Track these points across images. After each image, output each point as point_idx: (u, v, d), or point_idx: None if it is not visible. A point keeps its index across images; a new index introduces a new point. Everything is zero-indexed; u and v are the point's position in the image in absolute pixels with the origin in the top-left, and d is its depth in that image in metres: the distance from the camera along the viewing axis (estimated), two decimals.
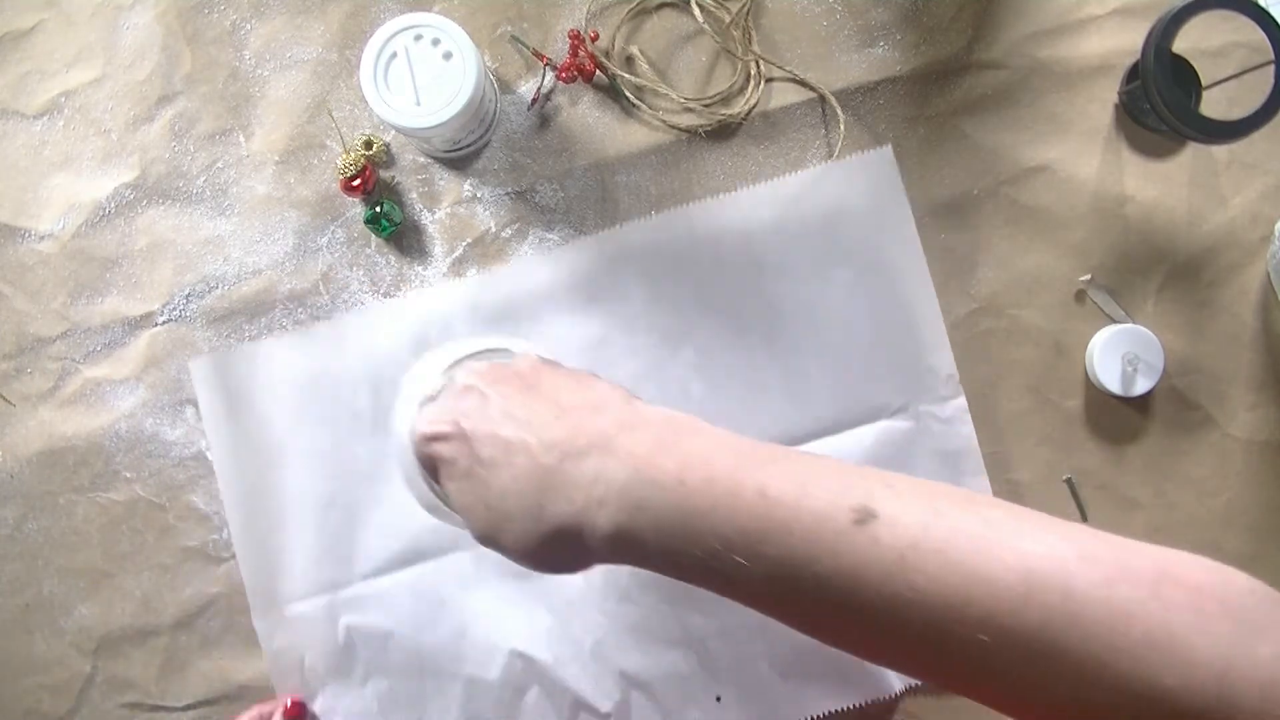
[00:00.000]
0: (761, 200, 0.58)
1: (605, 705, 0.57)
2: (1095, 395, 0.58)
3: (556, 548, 0.37)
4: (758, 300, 0.58)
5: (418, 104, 0.52)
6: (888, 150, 0.58)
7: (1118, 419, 0.58)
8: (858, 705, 0.57)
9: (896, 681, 0.57)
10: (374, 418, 0.58)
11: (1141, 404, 0.58)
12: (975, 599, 0.30)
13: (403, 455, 0.47)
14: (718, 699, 0.57)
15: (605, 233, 0.59)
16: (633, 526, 0.35)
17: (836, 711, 0.57)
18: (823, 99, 0.59)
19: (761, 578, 0.33)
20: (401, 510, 0.58)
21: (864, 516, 0.32)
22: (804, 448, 0.57)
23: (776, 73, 0.59)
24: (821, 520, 0.32)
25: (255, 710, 0.57)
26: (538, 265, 0.59)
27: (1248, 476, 0.58)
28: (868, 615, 0.32)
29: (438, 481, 0.43)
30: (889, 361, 0.58)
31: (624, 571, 0.57)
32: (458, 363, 0.48)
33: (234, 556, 0.59)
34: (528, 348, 0.50)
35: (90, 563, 0.59)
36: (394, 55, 0.53)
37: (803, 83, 0.59)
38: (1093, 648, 0.29)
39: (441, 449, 0.40)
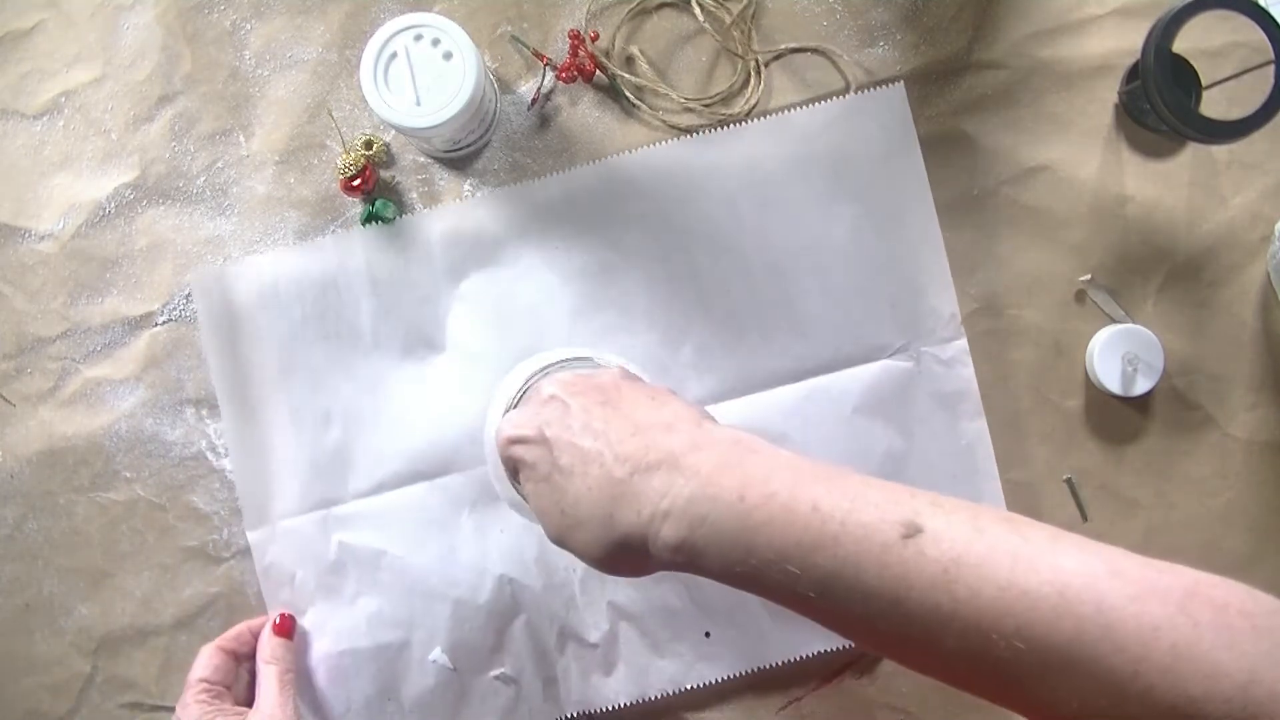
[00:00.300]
0: (769, 133, 0.58)
1: (593, 635, 0.57)
2: (1095, 395, 0.58)
3: (622, 554, 0.40)
4: (761, 233, 0.58)
5: (418, 104, 0.52)
6: (899, 87, 0.58)
7: (1118, 419, 0.58)
8: (845, 648, 0.57)
9: None
10: (374, 336, 0.58)
11: (1141, 404, 0.58)
12: (1013, 610, 0.32)
13: (493, 456, 0.51)
14: (706, 634, 0.57)
15: (612, 159, 0.59)
16: (694, 538, 0.37)
17: (824, 652, 0.57)
18: (841, 75, 0.59)
19: (812, 587, 0.35)
20: (398, 430, 0.58)
21: (911, 531, 0.34)
22: (802, 385, 0.58)
23: (780, 52, 0.59)
24: (870, 533, 0.35)
25: (244, 625, 0.57)
26: (548, 183, 0.59)
27: (1248, 476, 0.58)
28: (911, 623, 0.34)
29: (517, 482, 0.46)
30: (891, 301, 0.58)
31: None
32: (544, 370, 0.52)
33: (234, 556, 0.59)
34: (613, 359, 0.56)
35: (90, 563, 0.59)
36: (394, 55, 0.53)
37: (805, 49, 0.59)
38: (1123, 659, 0.30)
39: (523, 452, 0.43)
